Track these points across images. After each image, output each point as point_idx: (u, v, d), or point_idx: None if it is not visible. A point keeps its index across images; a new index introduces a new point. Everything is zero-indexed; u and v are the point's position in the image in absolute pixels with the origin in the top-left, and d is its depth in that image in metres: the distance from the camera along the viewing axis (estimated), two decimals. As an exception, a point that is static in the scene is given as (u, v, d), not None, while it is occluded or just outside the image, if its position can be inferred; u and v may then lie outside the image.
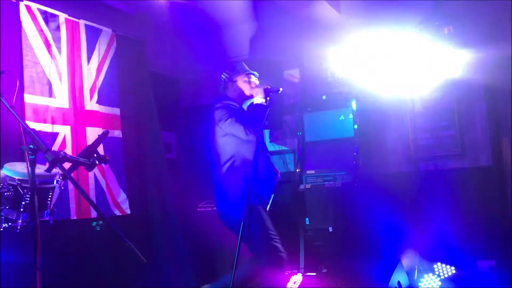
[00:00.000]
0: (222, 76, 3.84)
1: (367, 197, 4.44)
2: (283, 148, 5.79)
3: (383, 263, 4.06)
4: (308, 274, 4.36)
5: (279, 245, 3.44)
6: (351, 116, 4.91)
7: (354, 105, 4.88)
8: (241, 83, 3.73)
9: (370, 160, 4.99)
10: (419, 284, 4.29)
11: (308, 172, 4.96)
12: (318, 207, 4.70)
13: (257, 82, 3.77)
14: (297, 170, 5.04)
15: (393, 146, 5.22)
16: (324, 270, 4.18)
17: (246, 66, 3.83)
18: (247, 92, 3.69)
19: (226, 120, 3.48)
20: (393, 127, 5.21)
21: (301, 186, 4.88)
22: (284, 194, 5.06)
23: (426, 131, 5.06)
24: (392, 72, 4.88)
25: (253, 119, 3.46)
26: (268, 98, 3.57)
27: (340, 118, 5.00)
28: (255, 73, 3.81)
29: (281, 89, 3.55)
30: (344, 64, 5.36)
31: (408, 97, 5.08)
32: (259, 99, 3.57)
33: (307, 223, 4.74)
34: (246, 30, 5.85)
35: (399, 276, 3.98)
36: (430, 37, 4.61)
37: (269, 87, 3.60)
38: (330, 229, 4.57)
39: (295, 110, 5.34)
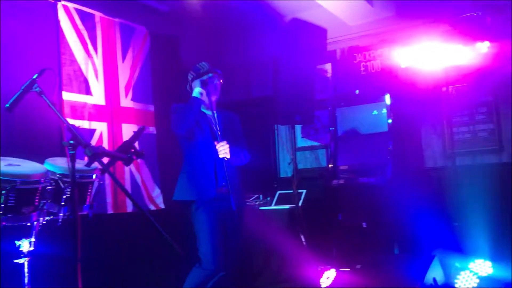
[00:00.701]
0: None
1: (401, 192, 4.38)
2: (315, 143, 5.77)
3: (418, 259, 4.01)
4: (341, 269, 4.34)
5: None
6: (384, 110, 4.84)
7: (387, 99, 4.81)
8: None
9: (405, 155, 4.91)
10: (456, 281, 4.21)
11: (341, 167, 4.92)
12: (351, 203, 4.67)
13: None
14: (330, 166, 5.01)
15: (428, 141, 5.13)
16: (358, 266, 4.16)
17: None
18: None
19: None
20: (428, 121, 5.12)
21: (334, 182, 4.84)
22: (318, 189, 5.06)
23: (462, 125, 4.96)
24: (427, 65, 4.79)
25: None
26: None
27: (374, 113, 4.94)
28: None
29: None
30: (377, 57, 5.30)
31: (443, 90, 4.98)
32: None
33: (340, 218, 4.71)
34: (277, 26, 5.83)
35: (434, 273, 3.93)
36: (467, 28, 4.50)
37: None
38: (364, 224, 4.53)
39: (327, 105, 5.31)
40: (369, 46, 5.37)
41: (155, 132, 5.00)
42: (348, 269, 4.21)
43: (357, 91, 5.11)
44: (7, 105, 2.57)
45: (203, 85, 3.35)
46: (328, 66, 5.76)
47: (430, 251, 4.24)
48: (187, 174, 3.39)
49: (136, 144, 2.99)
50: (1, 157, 2.91)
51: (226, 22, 5.67)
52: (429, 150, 5.11)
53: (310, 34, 4.96)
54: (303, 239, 4.64)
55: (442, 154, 5.04)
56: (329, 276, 4.32)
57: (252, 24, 5.87)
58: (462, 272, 4.24)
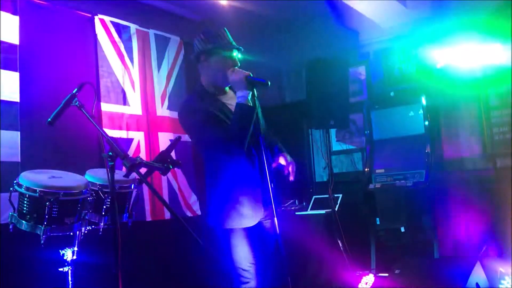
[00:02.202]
0: (196, 41, 2.77)
1: (440, 196, 4.30)
2: (351, 147, 5.72)
3: (459, 264, 3.91)
4: (380, 275, 4.28)
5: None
6: (421, 112, 4.76)
7: (424, 101, 4.74)
8: (218, 60, 2.70)
9: (443, 157, 4.82)
10: (500, 286, 4.09)
11: (377, 171, 4.86)
12: (389, 207, 4.60)
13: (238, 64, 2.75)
14: (366, 170, 4.96)
15: (467, 142, 5.00)
16: (397, 271, 4.09)
17: (229, 35, 2.76)
18: (223, 77, 2.69)
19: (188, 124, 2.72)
20: (466, 122, 5.00)
21: (371, 186, 4.79)
22: (354, 194, 5.01)
23: (503, 125, 4.81)
24: (464, 65, 4.68)
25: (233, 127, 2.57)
26: (251, 94, 2.57)
27: (410, 115, 4.86)
28: (240, 47, 2.77)
29: (269, 82, 2.55)
30: (412, 58, 5.22)
31: (481, 90, 4.86)
32: (241, 92, 2.58)
33: (378, 223, 4.65)
34: (309, 30, 5.83)
35: (477, 278, 3.82)
36: (504, 27, 4.38)
37: (251, 74, 2.59)
38: (402, 229, 4.46)
39: (362, 108, 5.26)
40: (404, 47, 5.29)
41: (190, 140, 5.07)
42: (387, 274, 4.15)
43: (392, 93, 5.04)
44: (49, 119, 2.66)
45: (252, 86, 2.61)
46: (362, 69, 5.71)
47: (471, 255, 4.14)
48: (225, 196, 2.74)
49: (173, 153, 3.05)
50: (44, 170, 3.03)
51: (258, 28, 5.70)
52: (468, 152, 4.98)
53: (341, 37, 4.94)
54: (340, 244, 4.61)
55: (482, 156, 4.91)
56: (367, 281, 4.28)
57: (284, 28, 5.89)
58: (506, 277, 4.11)
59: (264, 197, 2.68)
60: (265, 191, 2.64)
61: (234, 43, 2.75)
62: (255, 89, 2.60)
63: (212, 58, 2.71)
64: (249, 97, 2.57)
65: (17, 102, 3.71)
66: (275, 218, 2.48)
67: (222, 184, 2.74)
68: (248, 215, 2.69)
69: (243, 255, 2.69)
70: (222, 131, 2.58)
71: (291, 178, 2.82)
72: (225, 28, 2.77)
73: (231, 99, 2.78)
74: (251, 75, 2.59)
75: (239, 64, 2.73)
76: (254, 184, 2.69)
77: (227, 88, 2.84)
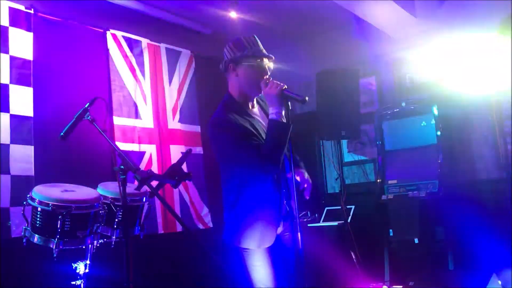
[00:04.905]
0: (225, 50, 2.65)
1: (454, 206, 4.24)
2: (363, 158, 5.69)
3: (474, 276, 3.86)
4: (394, 287, 4.23)
5: None
6: (433, 121, 4.72)
7: (435, 111, 4.70)
8: (247, 69, 2.53)
9: (456, 167, 4.76)
10: (517, 298, 4.02)
11: (390, 182, 4.82)
12: (402, 218, 4.55)
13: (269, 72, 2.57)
14: (378, 181, 4.92)
15: (480, 152, 4.95)
16: (411, 283, 4.05)
17: (259, 42, 2.60)
18: (254, 86, 2.52)
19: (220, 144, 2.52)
20: (479, 132, 4.95)
21: (383, 197, 4.75)
22: (366, 205, 4.98)
23: (517, 135, 4.76)
24: (475, 74, 4.65)
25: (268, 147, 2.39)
26: (284, 109, 2.42)
27: (422, 124, 4.82)
28: (271, 56, 2.59)
29: (307, 98, 2.41)
30: (423, 68, 5.20)
31: (493, 99, 4.81)
32: (274, 109, 2.41)
33: (391, 234, 4.60)
34: (319, 42, 5.85)
35: (493, 290, 3.77)
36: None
37: (286, 87, 2.41)
38: (416, 240, 4.40)
39: (373, 119, 5.24)
40: (414, 58, 5.27)
41: (202, 152, 5.10)
42: (401, 287, 4.10)
43: (403, 104, 5.01)
44: (62, 133, 2.70)
45: (286, 101, 2.44)
46: (372, 79, 5.70)
47: (487, 267, 4.07)
48: (245, 215, 2.58)
49: (184, 165, 3.05)
50: (57, 184, 3.06)
51: (267, 40, 5.72)
52: (481, 162, 4.93)
53: (352, 48, 4.95)
54: (353, 256, 4.57)
55: (495, 166, 4.85)
56: (381, 293, 4.24)
57: (294, 40, 5.91)
58: (523, 289, 4.05)
59: (283, 210, 2.58)
60: (284, 205, 2.56)
61: (264, 51, 2.59)
62: (289, 103, 2.42)
63: (241, 67, 2.54)
64: (283, 113, 2.40)
65: (31, 117, 3.77)
66: (299, 234, 2.38)
67: (244, 202, 2.58)
68: (267, 236, 2.55)
69: (261, 276, 2.56)
70: (257, 149, 2.40)
71: (306, 196, 2.66)
72: (255, 36, 2.62)
73: (256, 114, 2.63)
74: (287, 88, 2.42)
75: (269, 73, 2.56)
76: (276, 203, 2.55)
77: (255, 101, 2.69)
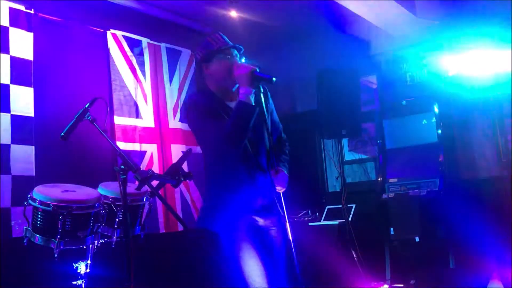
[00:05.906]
0: (195, 55, 2.73)
1: (455, 205, 4.25)
2: (363, 156, 5.69)
3: (475, 274, 3.86)
4: (395, 285, 4.24)
5: None
6: (434, 120, 4.73)
7: (436, 109, 4.70)
8: (217, 63, 2.56)
9: (457, 165, 4.77)
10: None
11: (390, 180, 4.83)
12: (403, 217, 4.56)
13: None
14: (379, 179, 4.92)
15: (481, 150, 4.95)
16: (412, 281, 4.05)
17: (225, 37, 2.65)
18: (227, 76, 2.53)
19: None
20: (480, 130, 4.95)
21: (384, 195, 4.76)
22: (367, 204, 4.98)
23: (518, 132, 4.76)
24: (476, 72, 4.65)
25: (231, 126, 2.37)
26: (254, 92, 2.41)
27: (423, 123, 4.83)
28: (239, 47, 2.65)
29: (274, 78, 2.36)
30: (423, 66, 5.19)
31: (493, 97, 4.81)
32: (244, 89, 2.40)
33: (392, 233, 4.61)
34: (320, 40, 5.84)
35: (494, 288, 3.77)
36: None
37: (257, 69, 2.41)
38: (417, 239, 4.41)
39: (374, 117, 5.24)
40: (415, 56, 5.27)
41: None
42: (402, 285, 4.11)
43: (404, 102, 5.01)
44: (62, 134, 2.69)
45: (256, 82, 2.42)
46: (373, 78, 5.69)
47: (488, 265, 4.08)
48: (216, 198, 2.60)
49: (185, 164, 3.05)
50: (57, 184, 3.06)
51: (268, 39, 5.73)
52: (482, 160, 4.93)
53: (352, 47, 4.94)
54: (354, 255, 4.58)
55: (496, 163, 4.85)
56: (382, 292, 4.24)
57: (295, 39, 5.91)
58: (524, 287, 4.05)
59: (267, 204, 2.57)
60: (268, 197, 2.55)
61: (230, 43, 2.62)
62: (260, 86, 2.44)
63: (212, 64, 2.58)
64: (252, 96, 2.40)
65: (31, 117, 3.78)
66: (287, 223, 2.40)
67: (215, 186, 2.62)
68: (236, 221, 2.50)
69: (251, 267, 2.51)
70: (220, 128, 2.38)
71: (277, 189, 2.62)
72: (220, 32, 2.66)
73: None
74: (258, 70, 2.40)
75: (241, 61, 2.59)
76: (247, 191, 2.53)
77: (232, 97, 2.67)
